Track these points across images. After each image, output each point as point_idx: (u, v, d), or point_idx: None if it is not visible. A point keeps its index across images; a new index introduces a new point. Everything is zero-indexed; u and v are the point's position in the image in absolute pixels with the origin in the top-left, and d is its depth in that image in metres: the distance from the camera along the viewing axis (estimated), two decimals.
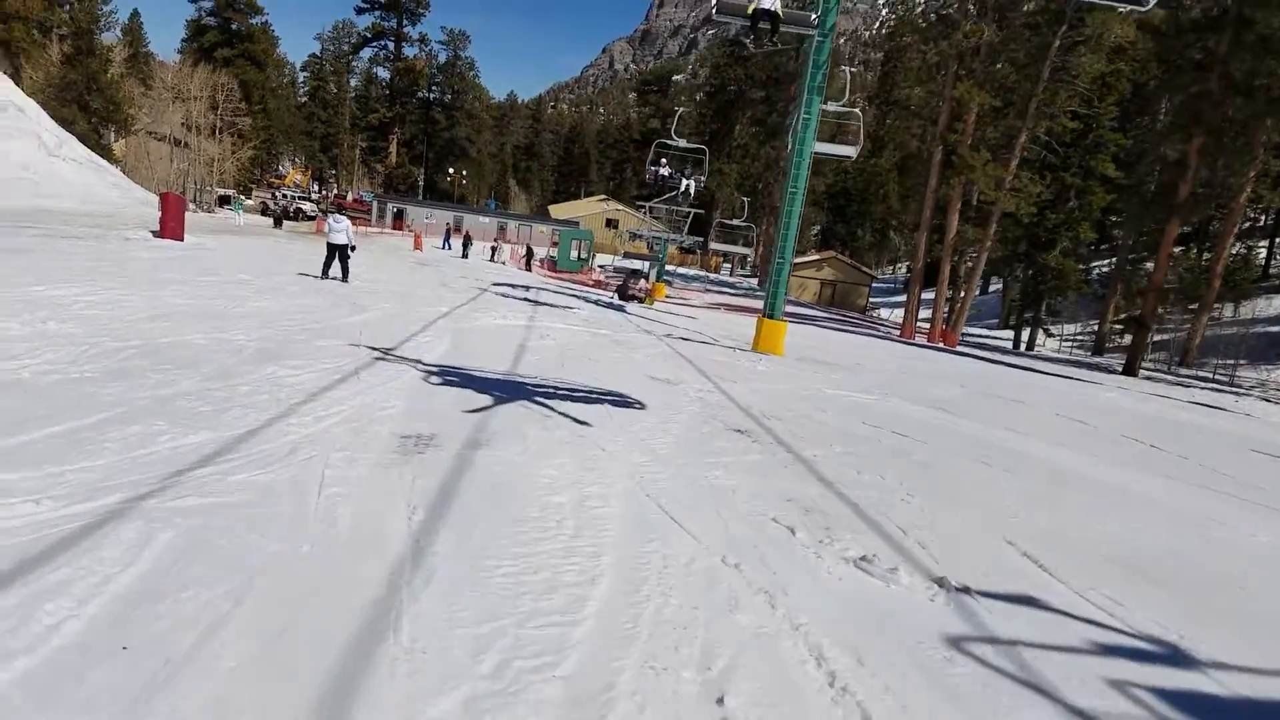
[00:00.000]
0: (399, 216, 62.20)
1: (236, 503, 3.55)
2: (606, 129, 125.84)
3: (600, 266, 47.23)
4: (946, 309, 34.95)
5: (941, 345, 32.02)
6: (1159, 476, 7.49)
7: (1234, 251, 36.68)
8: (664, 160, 17.91)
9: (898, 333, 33.84)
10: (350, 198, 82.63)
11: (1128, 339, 43.57)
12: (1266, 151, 29.50)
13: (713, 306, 36.66)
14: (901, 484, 5.58)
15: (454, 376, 7.26)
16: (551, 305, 17.28)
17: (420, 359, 7.95)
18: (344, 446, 4.61)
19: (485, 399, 6.42)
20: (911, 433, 7.77)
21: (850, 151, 15.51)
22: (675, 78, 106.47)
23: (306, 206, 59.00)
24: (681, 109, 18.86)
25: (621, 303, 24.86)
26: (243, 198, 56.55)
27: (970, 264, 35.61)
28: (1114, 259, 48.34)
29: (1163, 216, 30.10)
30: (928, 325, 35.87)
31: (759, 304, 43.03)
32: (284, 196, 59.43)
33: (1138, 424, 12.07)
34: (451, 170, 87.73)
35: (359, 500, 3.80)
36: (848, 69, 17.47)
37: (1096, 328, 41.51)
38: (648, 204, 38.47)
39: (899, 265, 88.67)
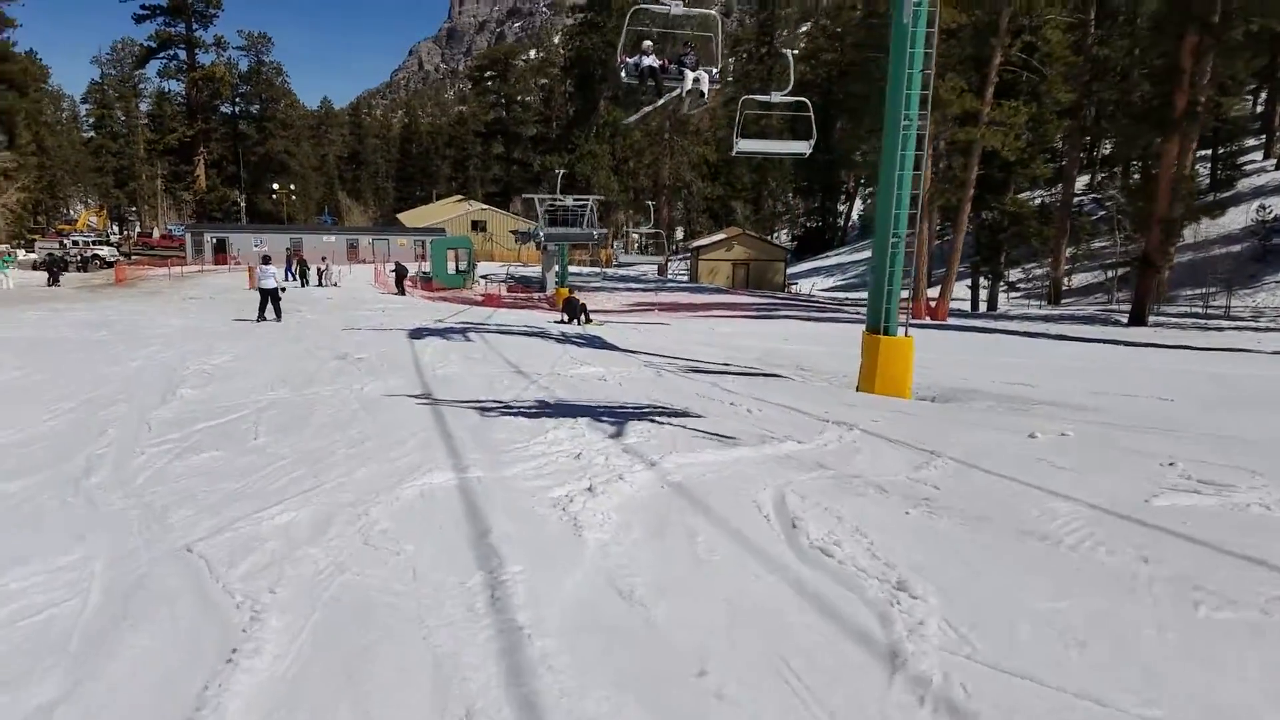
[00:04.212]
0: (221, 248, 50.75)
1: None
2: (438, 127, 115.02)
3: (483, 278, 39.38)
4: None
5: (928, 320, 26.71)
6: None
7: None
8: (647, 44, 10.74)
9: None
10: (157, 234, 68.96)
11: (1074, 282, 40.50)
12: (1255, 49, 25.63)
13: (641, 307, 30.09)
14: None
15: None
16: (556, 371, 9.75)
17: None
18: None
19: None
20: None
21: (804, 148, 11.95)
22: (516, 60, 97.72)
23: (104, 251, 46.71)
24: None
25: (581, 329, 17.93)
26: (14, 253, 44.16)
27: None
28: (1042, 194, 45.26)
29: (1157, 134, 25.87)
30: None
31: (693, 298, 36.75)
32: (74, 244, 46.45)
33: None
34: (276, 187, 75.24)
35: None
36: (789, 52, 14.88)
37: (1050, 274, 37.75)
38: (534, 195, 32.36)
39: (776, 233, 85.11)
